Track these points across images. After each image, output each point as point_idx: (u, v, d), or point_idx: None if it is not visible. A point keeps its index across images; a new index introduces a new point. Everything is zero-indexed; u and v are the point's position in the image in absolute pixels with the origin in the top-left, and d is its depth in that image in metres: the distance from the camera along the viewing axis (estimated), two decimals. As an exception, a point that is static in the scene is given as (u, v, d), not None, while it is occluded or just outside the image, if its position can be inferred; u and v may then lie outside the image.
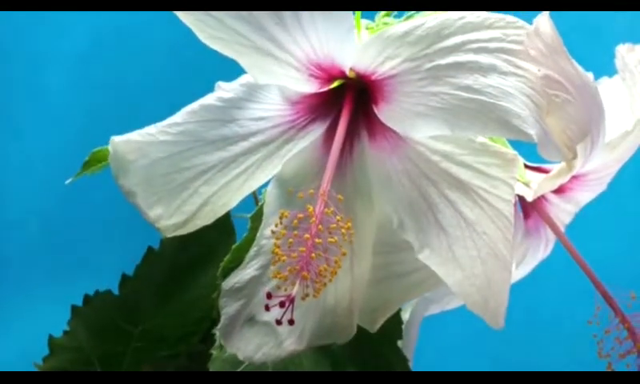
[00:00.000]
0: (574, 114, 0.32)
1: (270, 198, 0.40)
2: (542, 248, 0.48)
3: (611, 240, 0.84)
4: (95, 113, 0.92)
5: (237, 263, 0.41)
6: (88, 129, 0.89)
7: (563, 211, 0.47)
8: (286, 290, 0.35)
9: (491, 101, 0.34)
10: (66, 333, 0.49)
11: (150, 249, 0.47)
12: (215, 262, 0.49)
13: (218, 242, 0.49)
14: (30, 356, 0.83)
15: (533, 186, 0.42)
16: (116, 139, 0.38)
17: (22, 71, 0.94)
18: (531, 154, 0.39)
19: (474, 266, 0.37)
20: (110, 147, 0.38)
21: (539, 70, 0.33)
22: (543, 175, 0.43)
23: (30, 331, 0.85)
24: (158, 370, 0.51)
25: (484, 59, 0.34)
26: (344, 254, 0.36)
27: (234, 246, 0.42)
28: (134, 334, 0.51)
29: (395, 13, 0.44)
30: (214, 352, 0.45)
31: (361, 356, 0.45)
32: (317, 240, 0.35)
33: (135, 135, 0.38)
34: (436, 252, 0.38)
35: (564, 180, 0.41)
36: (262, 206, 0.42)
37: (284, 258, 0.36)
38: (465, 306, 0.48)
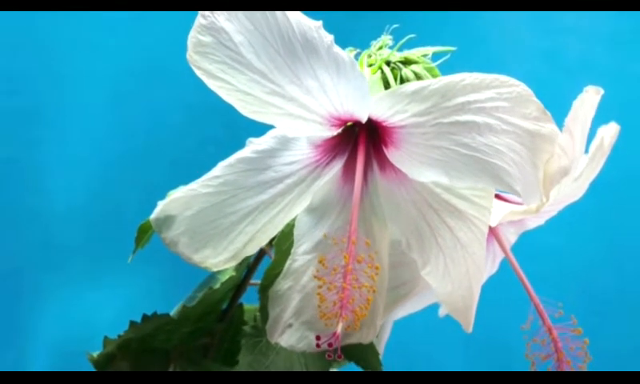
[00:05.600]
0: (563, 167, 0.39)
1: (300, 224, 0.46)
2: (489, 262, 0.54)
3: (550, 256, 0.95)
4: (128, 122, 1.00)
5: (270, 281, 0.48)
6: (122, 135, 0.99)
7: (510, 233, 0.54)
8: (331, 325, 0.42)
9: (485, 158, 0.40)
10: (120, 337, 0.54)
11: (210, 288, 0.53)
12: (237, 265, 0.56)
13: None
14: (73, 337, 0.91)
15: (493, 210, 0.49)
16: (160, 203, 0.43)
17: (67, 87, 1.01)
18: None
19: (462, 280, 0.45)
20: (155, 211, 0.43)
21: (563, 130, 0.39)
22: (499, 201, 0.49)
23: (72, 313, 0.94)
24: (183, 348, 0.58)
25: (480, 119, 0.39)
26: (374, 292, 0.44)
27: (266, 269, 0.49)
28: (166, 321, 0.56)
29: (390, 43, 0.50)
30: (240, 359, 0.53)
31: (344, 353, 0.51)
32: (353, 286, 0.42)
33: (178, 193, 0.43)
34: (435, 268, 0.45)
35: (528, 216, 0.49)
36: (282, 231, 0.48)
37: (326, 303, 0.43)
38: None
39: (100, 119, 1.01)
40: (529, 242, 0.57)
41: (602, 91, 0.41)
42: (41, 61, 1.00)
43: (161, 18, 0.99)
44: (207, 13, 0.40)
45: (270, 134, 0.44)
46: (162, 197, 0.51)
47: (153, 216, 0.43)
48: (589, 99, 0.41)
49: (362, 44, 0.51)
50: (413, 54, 0.49)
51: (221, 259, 0.45)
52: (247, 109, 0.41)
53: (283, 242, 0.49)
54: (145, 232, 0.51)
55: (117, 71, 1.02)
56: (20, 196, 0.99)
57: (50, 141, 1.00)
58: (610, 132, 0.47)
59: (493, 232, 0.51)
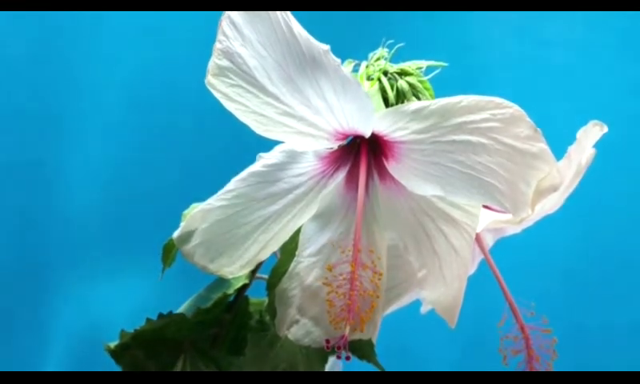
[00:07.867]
0: (554, 185, 0.42)
1: (306, 229, 0.50)
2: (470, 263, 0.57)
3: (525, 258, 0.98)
4: (143, 126, 1.05)
5: (277, 278, 0.51)
6: (137, 138, 1.05)
7: (489, 238, 0.58)
8: (340, 328, 0.46)
9: (479, 176, 0.43)
10: (135, 330, 0.57)
11: (224, 294, 0.57)
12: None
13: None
14: (91, 328, 0.96)
15: None
16: (182, 223, 0.47)
17: (87, 94, 1.05)
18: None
19: (453, 282, 0.49)
20: (177, 230, 0.47)
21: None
22: (483, 208, 0.52)
23: (90, 307, 0.98)
24: (195, 338, 0.62)
25: (476, 139, 0.42)
26: (378, 297, 0.47)
27: (272, 267, 0.53)
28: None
29: (386, 55, 0.53)
30: (247, 352, 0.56)
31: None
32: (359, 292, 0.46)
33: (195, 210, 0.47)
34: (430, 272, 0.49)
35: (510, 225, 0.53)
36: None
37: (335, 308, 0.46)
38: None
39: (117, 123, 1.05)
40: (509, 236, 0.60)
41: (605, 128, 0.44)
42: (62, 69, 1.04)
43: (176, 28, 1.03)
44: (223, 37, 0.43)
45: (279, 148, 0.47)
46: (174, 198, 0.55)
47: (175, 234, 0.46)
48: (593, 132, 0.45)
49: (355, 49, 0.54)
50: (408, 66, 0.52)
51: (236, 267, 0.48)
52: (261, 128, 0.44)
53: (289, 242, 0.51)
54: (169, 250, 0.54)
55: (133, 79, 1.05)
56: (42, 196, 1.03)
57: (70, 144, 1.04)
58: (587, 154, 0.50)
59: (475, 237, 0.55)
